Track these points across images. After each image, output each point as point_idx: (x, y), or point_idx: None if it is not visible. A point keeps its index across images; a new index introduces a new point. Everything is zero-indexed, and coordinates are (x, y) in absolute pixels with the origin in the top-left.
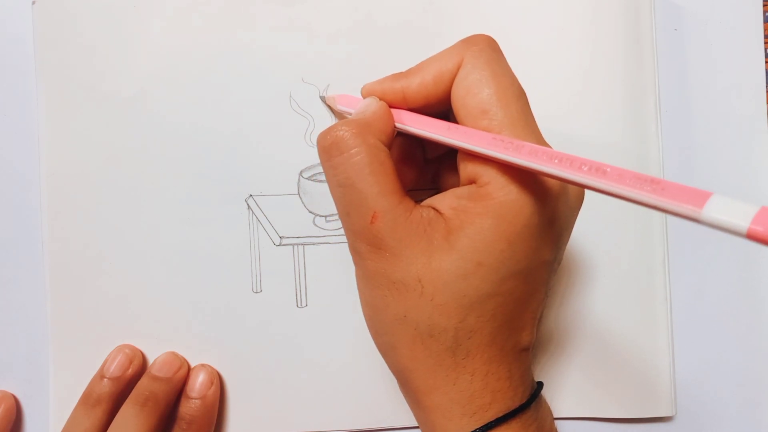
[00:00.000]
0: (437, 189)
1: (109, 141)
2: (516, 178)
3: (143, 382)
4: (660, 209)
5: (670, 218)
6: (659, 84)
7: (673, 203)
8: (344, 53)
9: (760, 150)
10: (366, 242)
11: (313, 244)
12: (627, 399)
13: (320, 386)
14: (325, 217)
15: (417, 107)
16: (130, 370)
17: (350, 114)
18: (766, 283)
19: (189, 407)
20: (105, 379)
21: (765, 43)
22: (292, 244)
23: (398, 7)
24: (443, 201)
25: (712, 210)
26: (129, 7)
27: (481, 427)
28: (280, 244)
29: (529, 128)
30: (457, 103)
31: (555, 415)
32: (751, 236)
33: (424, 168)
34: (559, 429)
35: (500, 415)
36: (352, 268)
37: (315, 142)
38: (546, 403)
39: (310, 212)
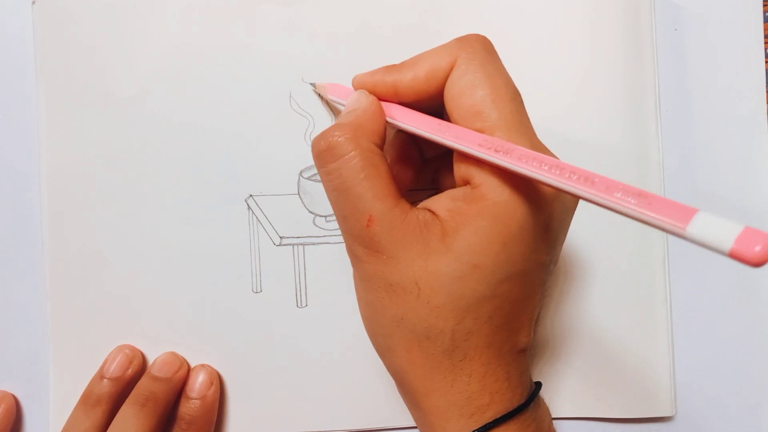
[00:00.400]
0: (437, 189)
1: (109, 141)
2: (509, 179)
3: (143, 383)
4: (645, 223)
5: None
6: (659, 84)
7: (659, 218)
8: (344, 53)
9: (760, 150)
10: (363, 245)
11: (313, 244)
12: (627, 399)
13: (320, 386)
14: (325, 217)
15: (408, 102)
16: (130, 371)
17: (341, 104)
18: (766, 283)
19: (189, 407)
20: (105, 380)
21: (765, 43)
22: (292, 244)
23: (398, 7)
24: (439, 203)
25: (697, 228)
26: (129, 7)
27: (480, 428)
28: (280, 244)
29: (523, 129)
30: (451, 104)
31: (555, 415)
32: (734, 256)
33: (423, 168)
34: (558, 429)
35: (498, 416)
36: (352, 268)
37: None
38: (544, 403)
39: (310, 212)
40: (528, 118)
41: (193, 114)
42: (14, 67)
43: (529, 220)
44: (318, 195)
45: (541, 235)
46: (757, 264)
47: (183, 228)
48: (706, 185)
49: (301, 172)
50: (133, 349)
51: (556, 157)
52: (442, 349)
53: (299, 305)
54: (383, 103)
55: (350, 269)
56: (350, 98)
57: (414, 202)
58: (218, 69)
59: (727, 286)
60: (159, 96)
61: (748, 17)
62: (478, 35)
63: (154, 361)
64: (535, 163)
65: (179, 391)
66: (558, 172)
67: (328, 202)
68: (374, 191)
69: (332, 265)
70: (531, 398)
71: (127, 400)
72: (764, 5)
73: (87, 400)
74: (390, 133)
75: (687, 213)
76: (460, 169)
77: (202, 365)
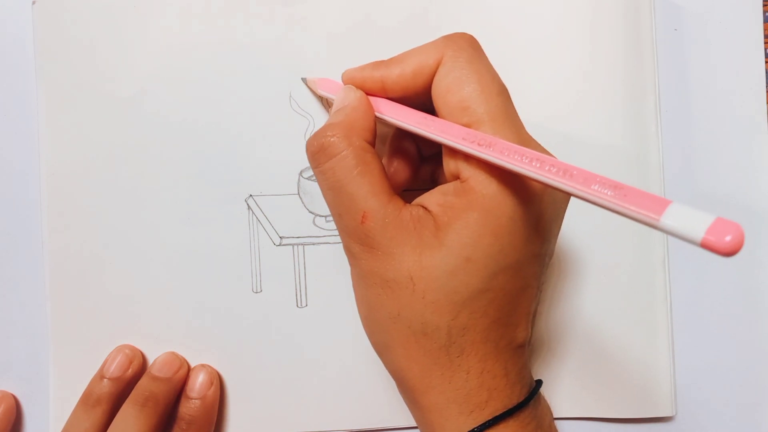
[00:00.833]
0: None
1: (109, 141)
2: (496, 172)
3: (143, 383)
4: (621, 214)
5: None
6: (659, 84)
7: (633, 209)
8: (344, 53)
9: (760, 150)
10: (358, 242)
11: (313, 244)
12: (627, 399)
13: (320, 386)
14: (325, 217)
15: (396, 97)
16: (130, 371)
17: (331, 99)
18: (765, 283)
19: (189, 407)
20: (105, 380)
21: (765, 43)
22: (292, 244)
23: (398, 6)
24: (431, 198)
25: (670, 218)
26: (129, 7)
27: (479, 425)
28: (280, 244)
29: (509, 122)
30: (439, 101)
31: (555, 415)
32: (705, 246)
33: (421, 166)
34: (558, 429)
35: (498, 413)
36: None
37: None
38: (545, 401)
39: (310, 212)
40: (515, 112)
41: (193, 114)
42: (14, 67)
43: (519, 212)
44: (318, 195)
45: (532, 227)
46: (727, 254)
47: (183, 228)
48: (706, 185)
49: (301, 172)
50: (133, 349)
51: (546, 151)
52: (438, 345)
53: (299, 305)
54: (371, 98)
55: (350, 269)
56: (338, 94)
57: (407, 201)
58: (218, 69)
59: (727, 286)
60: (159, 96)
61: (748, 17)
62: (464, 34)
63: (154, 361)
64: (517, 156)
65: (179, 391)
66: (538, 165)
67: None
68: (367, 188)
69: (332, 265)
70: (530, 396)
71: (127, 400)
72: (764, 5)
73: (87, 400)
74: (389, 132)
75: (661, 204)
76: (449, 164)
77: (202, 365)
